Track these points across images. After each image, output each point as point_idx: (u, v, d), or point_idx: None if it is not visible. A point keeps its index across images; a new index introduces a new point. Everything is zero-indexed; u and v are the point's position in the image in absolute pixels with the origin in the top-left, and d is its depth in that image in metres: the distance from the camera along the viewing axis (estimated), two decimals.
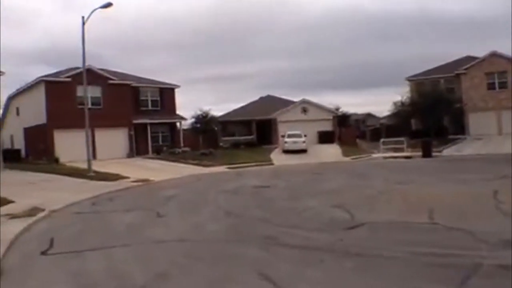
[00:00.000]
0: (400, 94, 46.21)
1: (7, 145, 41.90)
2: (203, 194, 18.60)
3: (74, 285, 7.71)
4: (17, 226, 12.78)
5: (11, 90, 42.86)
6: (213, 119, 48.01)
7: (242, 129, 52.24)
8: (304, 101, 51.58)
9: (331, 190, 17.87)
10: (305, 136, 41.62)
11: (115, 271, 8.33)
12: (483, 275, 6.99)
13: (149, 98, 44.35)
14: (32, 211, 15.17)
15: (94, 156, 31.90)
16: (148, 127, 42.77)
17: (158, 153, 41.16)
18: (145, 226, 12.51)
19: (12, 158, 36.14)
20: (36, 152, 38.08)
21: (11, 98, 44.11)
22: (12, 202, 17.16)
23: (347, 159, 35.10)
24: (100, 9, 26.03)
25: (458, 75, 46.71)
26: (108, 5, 25.65)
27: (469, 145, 38.43)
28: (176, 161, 34.72)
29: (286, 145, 40.88)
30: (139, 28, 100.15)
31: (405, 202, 14.27)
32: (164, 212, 14.60)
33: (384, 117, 67.07)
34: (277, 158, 37.14)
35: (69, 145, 34.89)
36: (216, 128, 50.43)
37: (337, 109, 54.56)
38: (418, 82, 48.59)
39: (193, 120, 46.84)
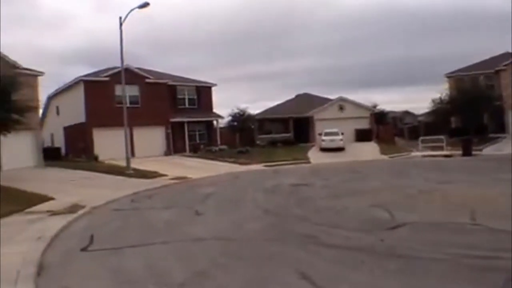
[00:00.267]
0: (438, 91, 45.00)
1: (47, 143, 42.75)
2: (240, 192, 18.51)
3: (114, 281, 7.68)
4: (58, 222, 12.90)
5: (51, 90, 43.86)
6: (250, 117, 47.78)
7: (279, 127, 51.89)
8: (341, 99, 50.94)
9: (370, 189, 17.52)
10: (342, 134, 41.09)
11: (154, 269, 8.27)
12: None
13: (186, 97, 44.57)
14: (73, 208, 15.31)
15: (132, 154, 32.16)
16: (185, 125, 42.97)
17: (195, 151, 41.28)
18: (184, 224, 12.46)
19: (52, 156, 36.79)
20: (75, 150, 38.68)
21: (51, 98, 44.97)
22: (52, 199, 17.42)
23: (385, 157, 34.45)
24: (137, 9, 26.23)
25: (497, 72, 45.21)
26: (145, 5, 25.80)
27: (510, 144, 37.18)
28: (213, 159, 34.77)
29: (323, 143, 40.42)
30: (175, 27, 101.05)
31: (446, 202, 13.81)
32: (202, 209, 14.54)
33: (422, 115, 65.67)
34: (314, 156, 36.77)
35: (107, 143, 35.30)
36: (253, 126, 50.21)
37: (375, 106, 53.73)
38: (457, 79, 47.15)
39: (230, 118, 46.72)
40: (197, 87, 45.51)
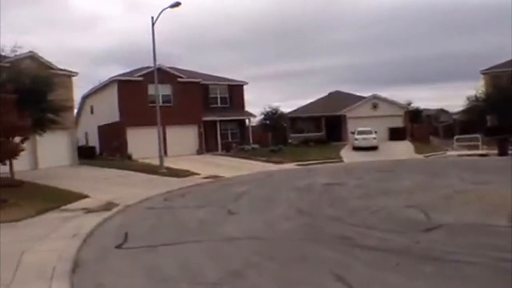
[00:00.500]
0: (474, 88, 44.00)
1: (82, 142, 43.41)
2: (273, 191, 18.36)
3: (148, 279, 7.67)
4: (92, 220, 13.04)
5: (85, 90, 44.54)
6: (282, 115, 47.60)
7: (311, 126, 51.48)
8: (374, 97, 50.25)
9: (405, 189, 17.13)
10: (375, 132, 40.54)
11: (188, 267, 8.23)
12: None
13: (218, 95, 44.66)
14: (107, 206, 15.47)
15: (165, 153, 32.34)
16: (218, 124, 43.04)
17: (228, 150, 41.30)
18: (217, 223, 12.40)
19: (87, 154, 37.42)
20: (109, 149, 39.21)
21: (85, 98, 45.71)
22: (87, 197, 17.65)
23: (420, 156, 33.82)
24: (168, 9, 26.37)
25: None
26: (177, 4, 25.92)
27: None
28: (245, 158, 34.72)
29: (356, 142, 39.97)
30: (206, 26, 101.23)
31: (482, 204, 13.31)
32: (235, 209, 14.46)
33: (457, 113, 64.32)
34: (347, 155, 36.38)
35: (141, 142, 35.67)
36: (285, 125, 50.00)
37: (409, 104, 52.87)
38: (494, 76, 45.78)
39: (262, 116, 46.62)
40: (229, 85, 45.51)
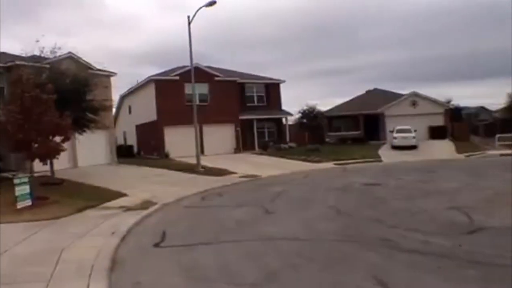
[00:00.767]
0: None
1: (120, 141, 44.08)
2: (311, 191, 18.20)
3: (186, 278, 7.64)
4: (131, 218, 13.13)
5: (123, 90, 45.12)
6: (320, 114, 47.20)
7: (348, 124, 50.87)
8: (413, 94, 49.18)
9: (446, 190, 16.71)
10: (415, 131, 39.70)
11: (226, 267, 8.17)
12: None
13: (255, 94, 44.55)
14: (145, 204, 15.55)
15: (202, 152, 32.46)
16: (254, 123, 42.98)
17: (265, 148, 41.20)
18: (255, 223, 12.31)
19: (125, 153, 37.99)
20: (147, 148, 39.67)
21: (123, 97, 46.32)
22: (126, 195, 17.81)
23: (461, 156, 32.95)
24: (204, 8, 26.39)
25: None
26: (212, 3, 25.90)
27: None
28: (282, 157, 34.48)
29: (395, 140, 39.22)
30: (242, 24, 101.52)
31: None
32: (273, 208, 14.36)
33: (498, 111, 62.71)
34: (386, 154, 35.74)
35: (178, 140, 35.90)
36: (322, 123, 49.56)
37: (449, 102, 51.74)
38: None
39: (299, 115, 46.31)
40: (265, 84, 45.35)
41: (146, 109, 39.63)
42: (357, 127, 50.29)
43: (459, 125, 50.05)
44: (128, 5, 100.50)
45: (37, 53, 23.59)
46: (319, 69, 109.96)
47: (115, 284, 7.47)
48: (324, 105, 64.05)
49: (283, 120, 45.79)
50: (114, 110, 37.12)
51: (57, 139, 18.89)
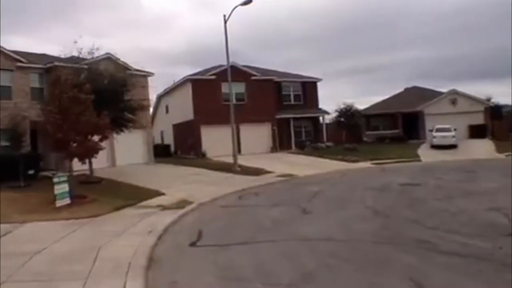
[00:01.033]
0: None
1: (157, 140, 44.48)
2: (348, 191, 17.97)
3: (222, 278, 7.61)
4: (168, 217, 13.19)
5: (159, 90, 45.40)
6: (357, 112, 46.57)
7: (386, 123, 50.09)
8: (453, 92, 48.04)
9: (486, 190, 16.26)
10: (455, 130, 38.76)
11: (261, 267, 8.10)
12: None
13: (292, 93, 44.22)
14: (181, 204, 15.61)
15: (239, 151, 32.44)
16: (291, 122, 42.70)
17: (301, 148, 40.88)
18: (291, 222, 12.21)
19: (162, 152, 38.30)
20: (184, 147, 39.89)
21: (160, 97, 46.69)
22: (163, 194, 17.94)
23: (501, 156, 31.98)
24: (239, 6, 26.38)
25: None
26: (248, 2, 25.87)
27: None
28: (319, 156, 34.15)
29: (434, 140, 38.35)
30: (278, 22, 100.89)
31: None
32: (310, 208, 14.22)
33: None
34: (425, 153, 35.02)
35: (214, 140, 36.00)
36: (360, 122, 48.91)
37: (489, 99, 50.37)
38: None
39: (336, 114, 45.78)
40: (302, 82, 44.96)
41: (183, 108, 39.85)
42: (395, 125, 49.44)
43: (499, 123, 48.56)
44: (164, 5, 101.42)
45: (75, 54, 23.94)
46: (357, 67, 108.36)
47: (152, 282, 7.49)
48: (361, 104, 63.37)
49: (320, 119, 45.34)
50: (151, 109, 37.49)
51: (95, 138, 19.14)
